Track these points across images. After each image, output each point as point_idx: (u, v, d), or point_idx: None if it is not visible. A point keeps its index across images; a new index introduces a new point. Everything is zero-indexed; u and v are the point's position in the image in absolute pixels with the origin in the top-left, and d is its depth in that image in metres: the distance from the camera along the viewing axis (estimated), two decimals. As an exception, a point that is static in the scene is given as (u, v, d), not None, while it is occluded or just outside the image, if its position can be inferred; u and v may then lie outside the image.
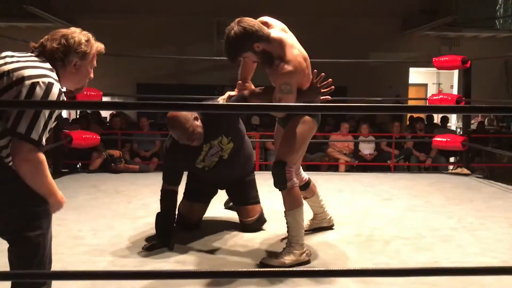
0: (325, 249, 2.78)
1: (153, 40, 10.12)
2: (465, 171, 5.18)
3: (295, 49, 2.52)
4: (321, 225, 3.14)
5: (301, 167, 3.05)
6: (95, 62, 1.91)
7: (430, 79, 13.32)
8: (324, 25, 10.22)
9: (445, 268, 2.43)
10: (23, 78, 1.65)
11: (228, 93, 2.80)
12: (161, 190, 2.95)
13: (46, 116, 1.66)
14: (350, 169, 7.09)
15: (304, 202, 2.82)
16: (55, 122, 1.75)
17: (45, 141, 1.71)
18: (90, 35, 1.89)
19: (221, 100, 2.81)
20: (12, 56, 1.74)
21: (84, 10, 10.29)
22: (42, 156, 1.67)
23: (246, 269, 2.28)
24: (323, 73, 2.51)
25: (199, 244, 2.82)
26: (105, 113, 8.74)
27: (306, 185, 3.03)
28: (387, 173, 6.02)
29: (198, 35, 10.36)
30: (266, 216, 3.31)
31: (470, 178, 5.06)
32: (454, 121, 11.15)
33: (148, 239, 2.88)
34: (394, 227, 3.21)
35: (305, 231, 3.00)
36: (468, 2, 10.84)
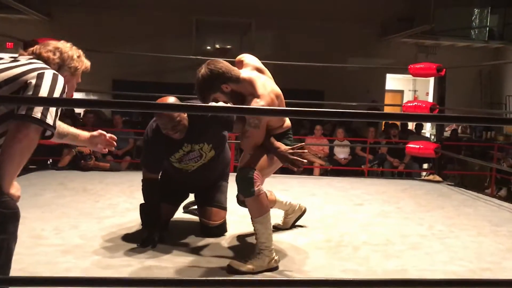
0: (293, 254, 2.74)
1: (130, 36, 9.97)
2: (437, 178, 5.23)
3: (267, 86, 2.49)
4: (295, 217, 3.21)
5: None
6: (80, 78, 1.99)
7: (407, 85, 13.49)
8: (303, 29, 10.24)
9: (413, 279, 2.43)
10: (26, 71, 1.70)
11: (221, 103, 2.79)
12: (143, 180, 2.90)
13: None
14: (325, 172, 7.10)
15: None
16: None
17: None
18: (80, 52, 1.99)
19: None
20: (11, 58, 1.80)
21: (60, 3, 10.09)
22: (37, 140, 1.67)
23: (213, 278, 2.24)
24: (306, 151, 2.54)
25: (166, 248, 2.75)
26: (79, 109, 8.56)
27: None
28: (361, 178, 6.04)
29: (176, 32, 10.26)
30: (236, 218, 3.26)
31: (442, 185, 5.10)
32: (428, 127, 11.29)
33: (134, 234, 2.90)
34: (364, 233, 3.19)
35: (284, 229, 3.15)
36: (445, 11, 11.02)
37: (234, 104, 2.50)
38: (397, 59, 11.13)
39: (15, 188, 1.67)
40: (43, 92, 1.66)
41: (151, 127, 2.89)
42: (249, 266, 2.44)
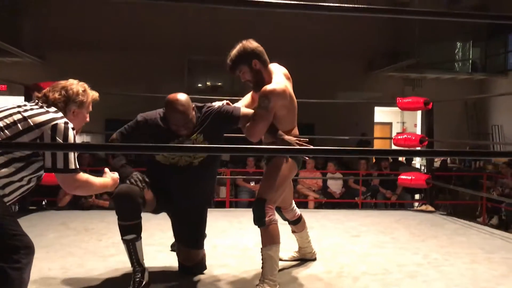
0: (295, 285, 2.82)
1: (124, 76, 10.19)
2: (430, 208, 5.35)
3: (286, 81, 2.75)
4: (303, 258, 3.28)
5: (293, 203, 3.18)
6: (90, 108, 2.24)
7: (395, 117, 13.79)
8: (292, 65, 10.50)
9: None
10: (41, 123, 1.96)
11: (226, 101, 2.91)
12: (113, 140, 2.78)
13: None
14: (319, 205, 7.20)
15: (292, 235, 3.13)
16: None
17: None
18: (86, 85, 2.21)
19: (218, 103, 2.86)
20: (25, 105, 2.04)
21: (53, 46, 10.30)
22: (83, 176, 2.08)
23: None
24: (312, 146, 2.62)
25: (167, 278, 2.82)
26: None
27: (298, 220, 3.19)
28: (355, 210, 6.15)
29: (169, 71, 10.50)
30: (236, 252, 3.34)
31: (434, 215, 5.22)
32: (418, 158, 11.49)
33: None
34: (363, 263, 3.28)
35: (288, 261, 3.22)
36: (429, 46, 11.42)
37: (254, 87, 2.77)
38: (384, 92, 11.44)
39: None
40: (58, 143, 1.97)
41: (125, 128, 2.79)
42: None
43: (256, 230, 3.79)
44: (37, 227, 4.09)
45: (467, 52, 12.27)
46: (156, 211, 2.89)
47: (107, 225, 4.30)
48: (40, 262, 3.10)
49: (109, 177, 2.38)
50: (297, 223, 3.19)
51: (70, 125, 2.01)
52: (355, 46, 11.10)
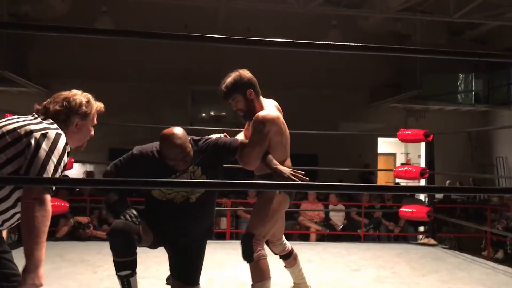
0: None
1: (127, 105, 10.26)
2: (432, 241, 5.27)
3: (277, 112, 2.77)
4: None
5: (283, 237, 3.09)
6: (95, 120, 2.06)
7: (399, 148, 13.74)
8: (295, 96, 10.58)
9: None
10: (31, 131, 1.79)
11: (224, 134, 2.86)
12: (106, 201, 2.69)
13: (56, 161, 1.78)
14: (321, 237, 7.11)
15: (285, 270, 3.04)
16: (64, 170, 1.87)
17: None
18: (90, 96, 2.04)
19: (215, 136, 2.81)
20: (19, 117, 1.89)
21: (58, 76, 10.43)
22: (49, 203, 1.75)
23: None
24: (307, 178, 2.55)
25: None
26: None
27: (288, 255, 3.08)
28: (357, 243, 6.07)
29: (172, 102, 10.57)
30: (232, 287, 3.28)
31: (437, 248, 5.14)
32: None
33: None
34: (361, 299, 3.22)
35: None
36: (432, 77, 11.47)
37: (245, 117, 2.75)
38: (387, 123, 11.45)
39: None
40: (43, 151, 1.76)
41: (118, 163, 2.73)
42: None
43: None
44: (33, 259, 4.05)
45: (469, 83, 12.31)
46: (153, 246, 2.83)
47: (103, 257, 4.25)
48: (33, 295, 3.06)
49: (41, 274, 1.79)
50: (287, 258, 3.05)
51: (63, 137, 1.85)
52: (358, 77, 11.18)
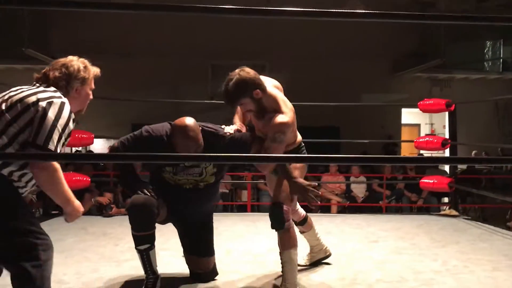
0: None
1: (149, 80, 10.31)
2: (454, 212, 5.22)
3: (288, 104, 2.67)
4: (318, 257, 3.26)
5: (298, 204, 3.14)
6: (93, 85, 2.14)
7: (423, 119, 13.50)
8: (317, 68, 10.45)
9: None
10: (38, 100, 1.88)
11: (236, 127, 2.84)
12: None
13: (60, 129, 1.88)
14: (342, 209, 7.11)
15: (301, 236, 3.08)
16: (69, 137, 1.97)
17: None
18: (86, 62, 2.13)
19: (228, 129, 2.79)
20: (21, 88, 1.97)
21: (80, 52, 10.29)
22: (57, 165, 1.88)
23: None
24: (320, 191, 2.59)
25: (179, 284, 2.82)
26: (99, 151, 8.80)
27: (304, 220, 3.17)
28: (377, 214, 6.04)
29: (192, 77, 10.57)
30: (250, 258, 3.32)
31: (458, 219, 5.09)
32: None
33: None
34: (379, 270, 3.21)
35: (304, 265, 3.18)
36: (457, 45, 11.14)
37: (257, 116, 2.65)
38: (411, 93, 11.21)
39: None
40: (49, 119, 1.85)
41: (151, 134, 2.71)
42: None
43: (271, 235, 3.77)
44: (57, 231, 4.16)
45: (497, 51, 11.93)
46: (163, 222, 2.91)
47: (125, 230, 4.32)
48: (56, 267, 3.12)
49: (77, 204, 2.02)
50: (304, 223, 3.17)
51: (68, 105, 1.93)
52: (381, 47, 10.93)
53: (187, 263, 3.03)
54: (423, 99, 5.41)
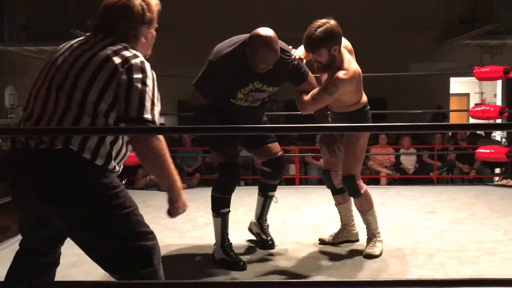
0: (369, 262, 2.82)
1: (196, 57, 10.36)
2: (511, 182, 5.08)
3: (353, 64, 2.74)
4: (349, 238, 3.19)
5: (340, 171, 3.11)
6: (156, 24, 1.84)
7: (472, 88, 13.05)
8: (362, 37, 10.22)
9: (491, 279, 2.43)
10: (116, 63, 1.60)
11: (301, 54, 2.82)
12: (192, 105, 2.75)
13: (151, 95, 1.62)
14: (392, 182, 7.04)
15: (336, 209, 3.20)
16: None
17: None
18: None
19: (295, 52, 2.77)
20: (95, 41, 1.69)
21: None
22: (160, 136, 1.63)
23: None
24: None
25: (250, 261, 2.91)
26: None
27: (343, 189, 3.09)
28: (430, 186, 5.96)
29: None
30: (306, 229, 3.37)
31: (517, 189, 4.96)
32: (499, 131, 10.87)
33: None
34: (438, 240, 3.20)
35: (332, 243, 3.15)
36: (509, 9, 10.63)
37: (321, 69, 2.73)
38: (461, 61, 10.85)
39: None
40: (136, 85, 1.60)
41: (226, 52, 2.64)
42: (380, 249, 2.92)
43: (326, 207, 3.82)
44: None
45: (553, 13, 11.31)
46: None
47: (182, 203, 4.48)
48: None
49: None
50: (343, 192, 3.08)
51: (148, 64, 1.67)
52: (427, 14, 10.57)
53: (260, 157, 2.97)
54: (473, 67, 5.23)
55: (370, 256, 2.86)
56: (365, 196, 2.93)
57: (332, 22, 2.64)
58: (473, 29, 10.34)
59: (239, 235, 3.33)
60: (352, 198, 3.15)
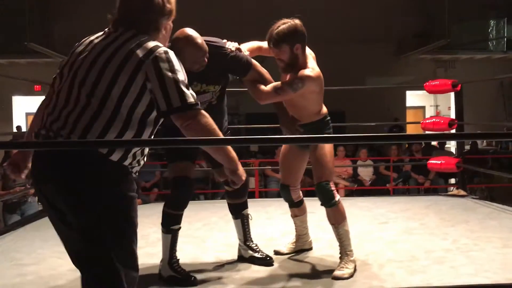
0: (319, 274, 2.83)
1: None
2: (462, 192, 5.23)
3: (316, 69, 2.75)
4: (303, 247, 3.23)
5: (299, 184, 3.16)
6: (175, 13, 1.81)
7: (428, 101, 13.47)
8: (320, 51, 10.37)
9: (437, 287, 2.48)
10: (151, 51, 1.62)
11: (237, 45, 2.75)
12: None
13: (186, 80, 1.66)
14: (350, 193, 7.14)
15: (291, 220, 3.16)
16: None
17: None
18: None
19: (230, 45, 2.69)
20: (116, 36, 1.68)
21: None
22: (203, 113, 1.66)
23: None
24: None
25: (194, 269, 2.87)
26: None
27: (300, 202, 3.16)
28: (385, 196, 6.07)
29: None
30: (262, 242, 3.36)
31: (467, 199, 5.10)
32: (453, 142, 11.21)
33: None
34: (389, 250, 3.25)
35: (288, 254, 3.17)
36: (461, 26, 11.07)
37: (284, 68, 2.73)
38: (416, 75, 11.18)
39: None
40: (167, 75, 1.61)
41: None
42: (351, 270, 2.76)
43: (282, 220, 3.83)
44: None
45: (501, 30, 11.84)
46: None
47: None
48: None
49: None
50: (300, 205, 3.13)
51: (173, 52, 1.68)
52: (383, 29, 10.88)
53: (221, 180, 2.95)
54: (427, 80, 5.40)
55: (339, 278, 2.70)
56: (339, 207, 2.84)
57: (297, 21, 2.67)
58: (427, 44, 10.71)
59: (193, 250, 3.30)
60: (307, 213, 3.20)
